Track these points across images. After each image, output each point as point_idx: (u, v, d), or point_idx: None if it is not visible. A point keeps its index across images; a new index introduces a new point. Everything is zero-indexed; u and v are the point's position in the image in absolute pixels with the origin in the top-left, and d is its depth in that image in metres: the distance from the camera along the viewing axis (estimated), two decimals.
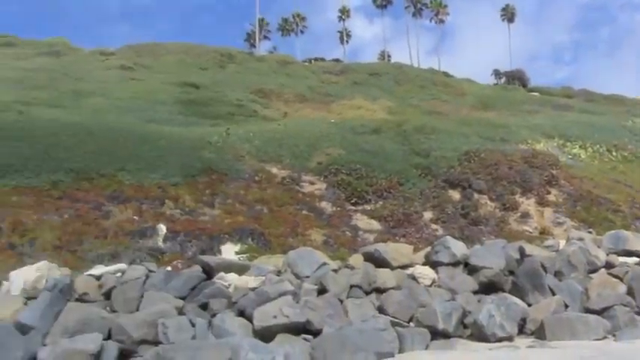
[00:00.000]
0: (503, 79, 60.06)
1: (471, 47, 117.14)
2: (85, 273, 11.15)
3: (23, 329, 9.29)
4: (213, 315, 10.27)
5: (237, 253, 13.91)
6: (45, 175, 15.65)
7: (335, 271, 11.80)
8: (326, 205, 17.61)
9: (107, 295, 10.59)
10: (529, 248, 13.18)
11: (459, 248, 12.68)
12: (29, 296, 10.44)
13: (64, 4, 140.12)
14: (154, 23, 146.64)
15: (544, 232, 17.73)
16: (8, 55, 37.47)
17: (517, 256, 12.52)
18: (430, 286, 12.07)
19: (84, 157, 16.72)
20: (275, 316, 9.99)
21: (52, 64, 35.22)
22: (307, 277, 11.55)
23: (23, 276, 10.95)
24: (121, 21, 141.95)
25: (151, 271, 11.21)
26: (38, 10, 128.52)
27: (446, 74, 51.10)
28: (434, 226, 17.59)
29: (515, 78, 57.07)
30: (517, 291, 11.81)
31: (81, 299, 10.37)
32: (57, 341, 9.14)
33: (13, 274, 11.20)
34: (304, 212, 16.77)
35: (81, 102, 25.41)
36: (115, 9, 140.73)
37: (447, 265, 12.38)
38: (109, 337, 9.34)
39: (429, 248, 13.13)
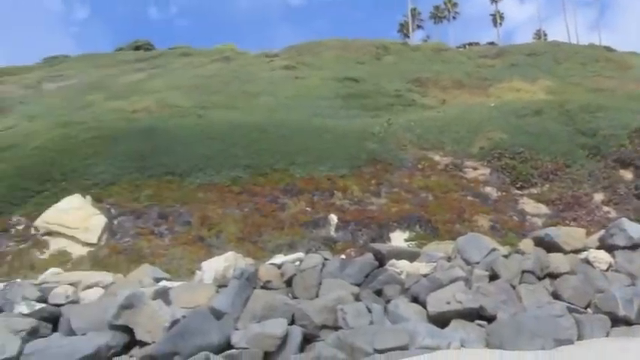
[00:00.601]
0: None
1: (634, 19, 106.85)
2: (267, 262, 11.72)
3: (217, 314, 9.93)
4: (388, 301, 10.35)
5: (406, 240, 13.90)
6: (225, 172, 16.65)
7: (505, 256, 11.38)
8: (491, 190, 17.04)
9: (288, 283, 11.05)
10: None
11: (636, 230, 11.72)
12: (220, 284, 11.18)
13: (230, 13, 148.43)
14: (310, 22, 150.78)
15: None
16: (185, 64, 40.46)
17: None
18: (606, 270, 11.32)
19: (258, 153, 17.53)
20: (448, 302, 9.84)
21: (223, 69, 37.44)
22: (477, 263, 11.26)
23: (213, 266, 11.80)
24: (282, 23, 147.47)
25: (326, 259, 11.52)
26: (207, 22, 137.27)
27: (608, 49, 47.14)
28: (606, 209, 16.38)
29: None
30: None
31: (265, 287, 10.90)
32: (247, 325, 9.72)
33: (204, 264, 12.08)
34: (469, 198, 16.34)
35: (251, 102, 26.77)
36: (276, 12, 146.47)
37: (624, 248, 11.53)
38: (292, 322, 9.74)
39: (602, 231, 12.29)
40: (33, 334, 9.88)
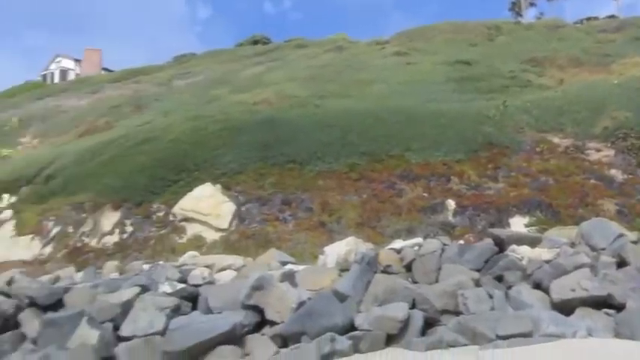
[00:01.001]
0: None
1: None
2: (387, 247, 11.77)
3: (340, 297, 10.13)
4: (509, 287, 10.06)
5: (526, 225, 13.39)
6: (343, 159, 16.82)
7: (634, 242, 10.69)
8: (616, 173, 15.94)
9: (408, 267, 11.04)
10: None
11: None
12: (342, 268, 11.40)
13: (341, 4, 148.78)
14: (421, 8, 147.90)
15: None
16: (300, 55, 41.13)
17: None
18: None
19: (374, 140, 17.53)
20: (573, 290, 9.40)
21: (336, 58, 37.66)
22: (603, 249, 10.64)
23: (335, 250, 12.05)
24: (392, 10, 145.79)
25: (445, 244, 11.39)
26: (319, 13, 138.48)
27: None
28: None
29: None
30: None
31: (385, 271, 10.95)
32: (369, 308, 9.83)
33: (327, 248, 12.37)
34: (592, 181, 15.41)
35: (365, 90, 26.76)
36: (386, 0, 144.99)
37: None
38: (413, 306, 9.73)
39: None
40: (176, 311, 10.58)
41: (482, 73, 28.75)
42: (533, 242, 11.27)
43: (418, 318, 9.33)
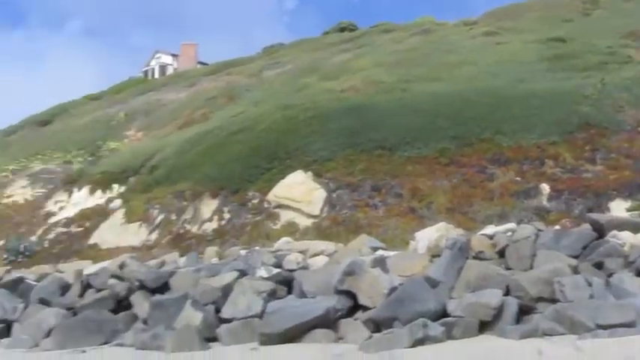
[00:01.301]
0: None
1: None
2: (479, 233, 11.51)
3: (432, 283, 10.03)
4: (609, 275, 9.55)
5: (627, 210, 12.60)
6: (432, 144, 16.52)
7: None
8: None
9: (501, 254, 10.74)
10: None
11: None
12: (433, 254, 11.27)
13: None
14: None
15: None
16: (387, 40, 40.56)
17: None
18: None
19: (464, 124, 17.08)
20: None
21: (423, 41, 36.84)
22: None
23: (426, 236, 11.92)
24: None
25: (539, 230, 10.99)
26: None
27: None
28: None
29: None
30: None
31: (477, 257, 10.70)
32: (462, 295, 9.67)
33: (417, 234, 12.26)
34: None
35: (454, 73, 26.03)
36: None
37: None
38: (507, 293, 9.48)
39: None
40: (272, 295, 10.90)
41: (578, 50, 27.18)
42: (636, 228, 10.63)
43: (512, 305, 9.08)
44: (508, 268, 10.36)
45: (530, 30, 33.76)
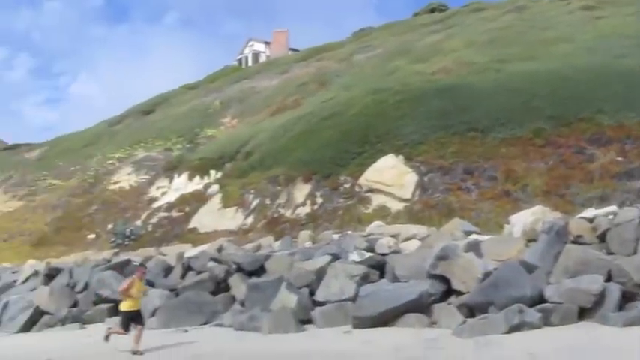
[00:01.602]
0: None
1: None
2: (577, 216, 10.99)
3: (528, 268, 9.72)
4: None
5: None
6: (527, 125, 15.94)
7: None
8: None
9: (601, 238, 10.20)
10: None
11: None
12: (529, 238, 10.90)
13: None
14: None
15: None
16: (478, 19, 39.23)
17: None
18: None
19: (561, 103, 16.34)
20: None
21: (517, 19, 35.31)
22: None
23: (522, 219, 11.53)
24: None
25: None
26: None
27: None
28: None
29: None
30: None
31: (576, 241, 10.22)
32: (560, 280, 9.32)
33: (512, 218, 11.89)
34: None
35: (550, 50, 24.81)
36: None
37: None
38: (608, 278, 9.05)
39: None
40: (365, 279, 11.00)
41: None
42: None
43: (615, 291, 8.68)
44: (610, 253, 9.83)
45: (632, 2, 31.47)
